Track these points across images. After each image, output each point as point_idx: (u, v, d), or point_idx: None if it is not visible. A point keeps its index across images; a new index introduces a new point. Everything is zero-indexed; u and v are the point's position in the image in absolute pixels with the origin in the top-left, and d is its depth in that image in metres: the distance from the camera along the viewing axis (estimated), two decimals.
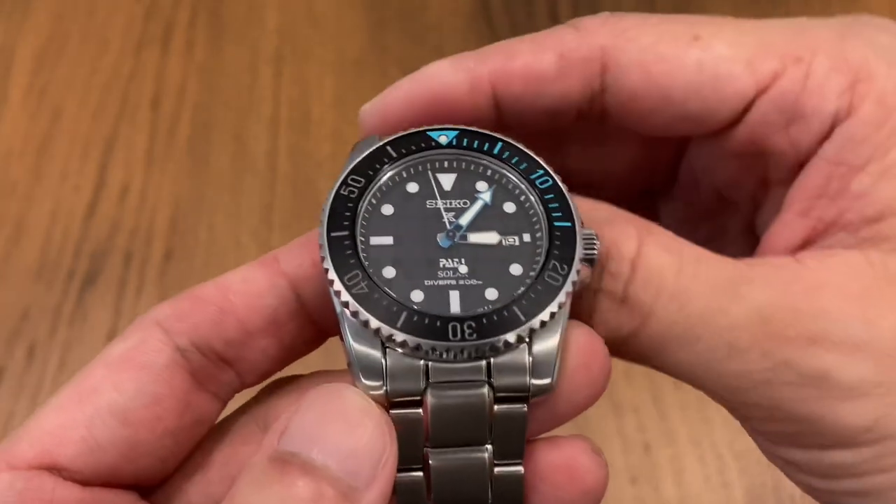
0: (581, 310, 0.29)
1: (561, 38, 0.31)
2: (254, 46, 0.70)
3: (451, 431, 0.27)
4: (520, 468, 0.27)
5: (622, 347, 0.29)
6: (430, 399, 0.26)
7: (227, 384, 0.30)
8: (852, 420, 0.27)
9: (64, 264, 0.62)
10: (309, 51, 0.70)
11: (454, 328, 0.26)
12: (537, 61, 0.31)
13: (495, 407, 0.27)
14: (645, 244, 0.28)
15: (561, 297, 0.27)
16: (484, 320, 0.26)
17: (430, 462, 0.27)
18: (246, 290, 0.29)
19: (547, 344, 0.27)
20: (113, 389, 0.28)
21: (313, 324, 0.30)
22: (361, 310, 0.26)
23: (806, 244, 0.30)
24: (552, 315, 0.27)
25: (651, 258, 0.28)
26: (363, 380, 0.26)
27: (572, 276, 0.27)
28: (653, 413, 0.57)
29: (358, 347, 0.26)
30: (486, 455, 0.27)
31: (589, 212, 0.29)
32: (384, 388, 0.26)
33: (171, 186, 0.65)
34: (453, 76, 0.31)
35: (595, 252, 0.28)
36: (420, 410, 0.27)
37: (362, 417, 0.25)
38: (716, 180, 0.35)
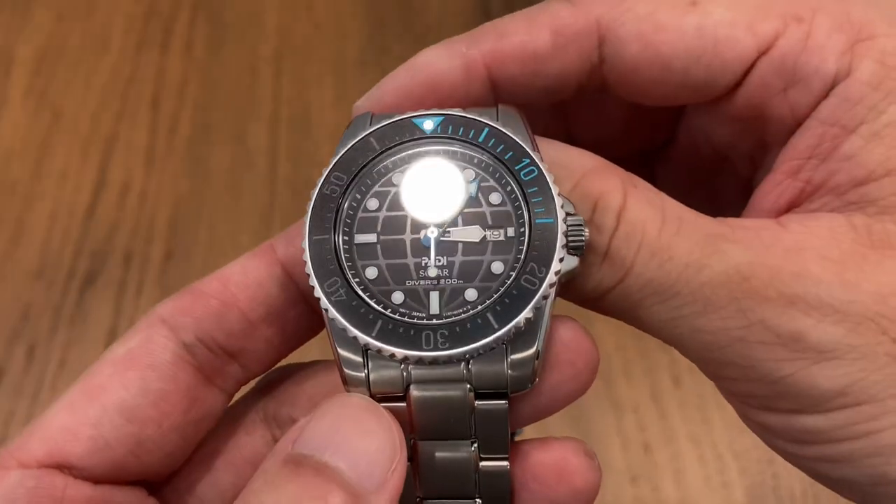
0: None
1: (555, 13, 0.30)
2: (254, 46, 0.70)
3: (434, 425, 0.27)
4: (505, 463, 0.28)
5: (600, 302, 0.29)
6: (412, 393, 0.27)
7: (233, 376, 0.30)
8: (825, 383, 0.27)
9: (64, 264, 0.62)
10: (309, 51, 0.70)
11: (427, 337, 0.26)
12: (532, 40, 0.30)
13: (476, 403, 0.27)
14: (630, 196, 0.28)
15: (537, 300, 0.26)
16: (458, 328, 0.26)
17: (418, 454, 0.28)
18: (246, 280, 0.30)
19: (525, 345, 0.27)
20: (120, 388, 0.28)
21: (312, 311, 0.30)
22: (339, 317, 0.26)
23: (793, 205, 0.30)
24: (527, 321, 0.26)
25: (634, 212, 0.28)
26: (347, 383, 0.27)
27: (549, 279, 0.27)
28: (653, 412, 0.57)
29: (342, 351, 0.27)
30: (471, 449, 0.27)
31: (576, 158, 0.29)
32: (367, 389, 0.27)
33: (171, 186, 0.65)
34: (447, 62, 0.30)
35: (583, 240, 0.27)
36: (404, 404, 0.27)
37: (375, 424, 0.26)
38: (714, 142, 0.34)
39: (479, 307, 0.27)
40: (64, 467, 0.28)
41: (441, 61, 0.31)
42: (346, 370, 0.27)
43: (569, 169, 0.28)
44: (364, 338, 0.26)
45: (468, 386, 0.27)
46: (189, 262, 0.62)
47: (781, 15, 0.29)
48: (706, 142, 0.35)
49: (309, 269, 0.27)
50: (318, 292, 0.27)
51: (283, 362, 0.32)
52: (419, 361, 0.26)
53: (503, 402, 0.27)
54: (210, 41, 0.70)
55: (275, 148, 0.66)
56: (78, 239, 0.63)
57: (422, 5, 0.71)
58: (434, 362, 0.26)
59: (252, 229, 0.63)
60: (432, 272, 0.28)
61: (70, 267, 0.62)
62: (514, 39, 0.30)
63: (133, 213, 0.64)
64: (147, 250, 0.63)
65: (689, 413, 0.57)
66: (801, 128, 0.29)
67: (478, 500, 0.28)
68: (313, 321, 0.31)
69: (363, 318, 0.27)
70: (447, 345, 0.26)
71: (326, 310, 0.27)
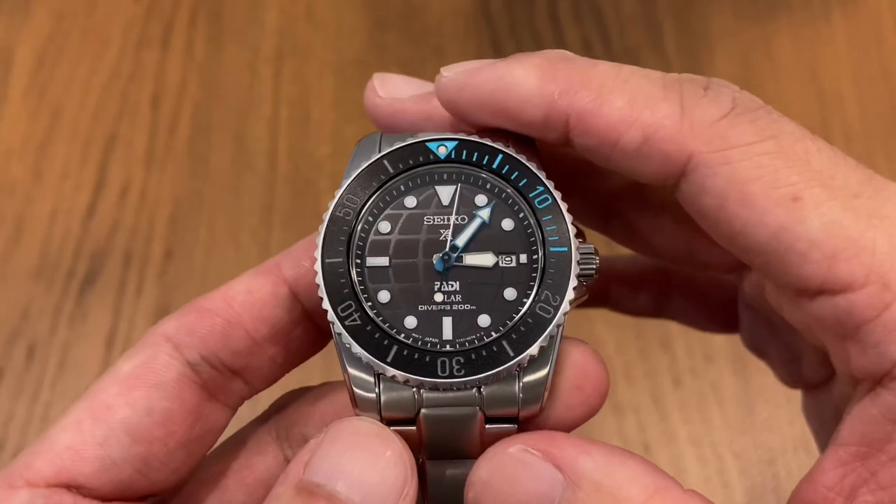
0: None
1: (661, 119, 0.27)
2: (254, 46, 0.70)
3: (443, 444, 0.27)
4: None
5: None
6: (423, 413, 0.27)
7: (237, 393, 0.30)
8: None
9: (64, 264, 0.62)
10: (309, 51, 0.70)
11: (443, 364, 0.26)
12: (625, 133, 0.27)
13: (486, 426, 0.27)
14: None
15: (552, 329, 0.27)
16: (473, 355, 0.26)
17: (426, 473, 0.28)
18: (251, 300, 0.29)
19: (537, 372, 0.27)
20: (126, 407, 0.28)
21: (317, 328, 0.30)
22: (354, 344, 0.27)
23: (855, 489, 0.27)
24: (542, 349, 0.27)
25: None
26: (358, 406, 0.27)
27: (564, 308, 0.27)
28: (653, 413, 0.57)
29: (353, 372, 0.27)
30: None
31: (626, 485, 0.25)
32: (379, 415, 0.27)
33: (171, 186, 0.65)
34: (535, 98, 0.28)
35: (594, 269, 0.28)
36: (414, 427, 0.27)
37: (385, 451, 0.26)
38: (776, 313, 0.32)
39: (494, 334, 0.27)
40: (72, 487, 0.28)
41: (530, 93, 0.28)
42: (356, 390, 0.27)
43: (616, 500, 0.25)
44: (379, 364, 0.26)
45: (478, 409, 0.27)
46: (189, 262, 0.62)
47: (871, 269, 0.26)
48: (766, 306, 0.32)
49: (322, 292, 0.27)
50: (332, 316, 0.27)
51: (287, 378, 0.32)
52: (436, 387, 0.26)
53: (513, 425, 0.27)
54: (210, 41, 0.70)
55: (275, 148, 0.66)
56: (78, 239, 0.63)
57: (422, 5, 0.71)
58: (448, 389, 0.26)
59: (252, 229, 0.63)
60: (445, 297, 0.28)
61: (70, 267, 0.62)
62: (606, 119, 0.27)
63: (133, 213, 0.64)
64: (147, 250, 0.63)
65: (689, 414, 0.57)
66: (874, 403, 0.27)
67: None
68: (317, 339, 0.31)
69: (378, 343, 0.27)
70: (462, 372, 0.26)
71: (340, 334, 0.27)
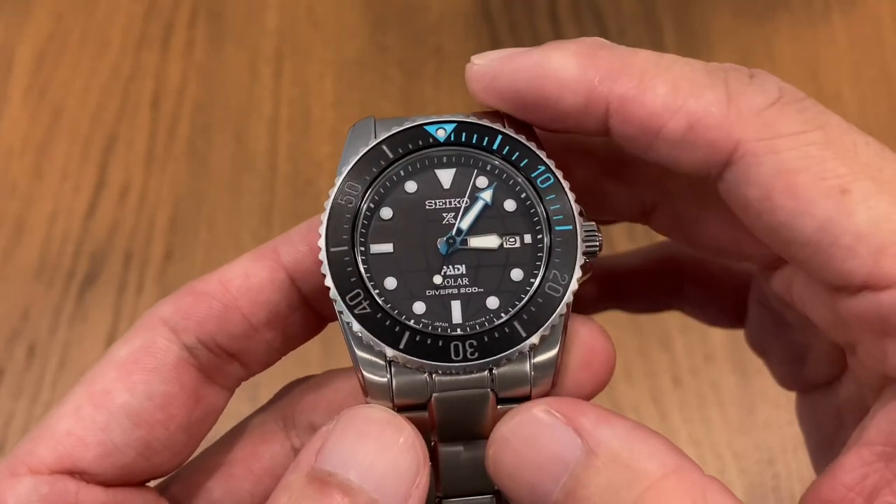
0: None
1: (706, 107, 0.26)
2: (254, 46, 0.70)
3: (456, 426, 0.27)
4: None
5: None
6: (435, 396, 0.27)
7: (234, 375, 0.30)
8: None
9: (64, 264, 0.62)
10: (309, 51, 0.70)
11: (456, 348, 0.26)
12: (668, 120, 0.27)
13: (498, 407, 0.27)
14: None
15: (561, 308, 0.27)
16: (485, 338, 0.26)
17: (438, 455, 0.28)
18: (248, 284, 0.29)
19: (548, 352, 0.27)
20: (125, 392, 0.28)
21: (314, 312, 0.30)
22: (365, 331, 0.26)
23: (877, 489, 0.27)
24: (553, 327, 0.27)
25: None
26: (368, 392, 0.27)
27: (572, 287, 0.27)
28: (653, 413, 0.57)
29: (364, 360, 0.27)
30: None
31: (644, 460, 0.25)
32: (391, 402, 0.27)
33: (171, 186, 0.65)
34: (575, 84, 0.27)
35: (597, 246, 0.28)
36: (426, 413, 0.27)
37: (397, 438, 0.26)
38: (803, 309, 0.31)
39: (504, 316, 0.27)
40: (75, 473, 0.28)
41: (570, 78, 0.27)
42: (367, 374, 0.27)
43: (633, 472, 0.25)
44: (392, 351, 0.26)
45: (490, 390, 0.27)
46: (189, 262, 0.62)
47: None
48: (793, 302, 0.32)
49: (330, 281, 0.27)
50: (341, 305, 0.27)
51: (285, 362, 0.32)
52: (450, 371, 0.26)
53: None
54: (210, 41, 0.70)
55: (275, 148, 0.66)
56: (78, 239, 0.63)
57: (422, 5, 0.71)
58: (463, 371, 0.26)
59: (252, 229, 0.63)
60: (452, 281, 0.27)
61: (70, 267, 0.62)
62: (650, 106, 0.27)
63: (133, 213, 0.64)
64: (147, 250, 0.63)
65: (689, 413, 0.57)
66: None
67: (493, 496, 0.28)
68: (314, 324, 0.31)
69: (389, 330, 0.26)
70: (476, 355, 0.26)
71: (350, 323, 0.27)
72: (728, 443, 0.56)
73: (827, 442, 0.35)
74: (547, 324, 0.27)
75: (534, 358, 0.27)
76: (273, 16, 0.71)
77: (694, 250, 0.35)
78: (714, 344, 0.58)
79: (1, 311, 0.61)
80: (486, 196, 0.28)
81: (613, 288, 0.41)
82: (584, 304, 0.39)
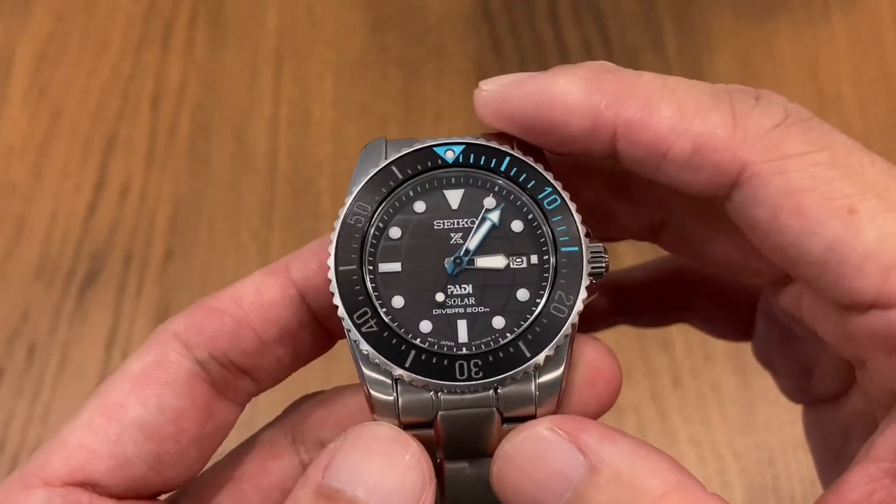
0: None
1: (712, 126, 0.27)
2: (254, 46, 0.70)
3: (461, 444, 0.28)
4: None
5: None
6: (441, 415, 0.27)
7: (245, 390, 0.31)
8: None
9: (64, 264, 0.62)
10: (309, 51, 0.70)
11: (461, 367, 0.27)
12: (674, 142, 0.27)
13: (503, 426, 0.27)
14: None
15: (566, 329, 0.27)
16: (490, 357, 0.27)
17: (444, 473, 0.28)
18: (260, 301, 0.30)
19: (553, 372, 0.27)
20: (138, 405, 0.28)
21: (324, 330, 0.31)
22: (371, 350, 0.27)
23: None
24: (556, 348, 0.27)
25: None
26: (375, 410, 0.27)
27: (577, 307, 0.27)
28: (653, 413, 0.57)
29: (371, 378, 0.27)
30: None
31: (648, 477, 0.25)
32: (397, 420, 0.27)
33: (171, 186, 0.65)
34: (581, 109, 0.27)
35: (603, 267, 0.28)
36: (432, 431, 0.27)
37: (403, 456, 0.26)
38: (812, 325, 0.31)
39: (509, 336, 0.27)
40: (87, 485, 0.28)
41: (576, 104, 0.27)
42: (373, 392, 0.27)
43: (635, 489, 0.25)
44: (398, 370, 0.26)
45: (495, 409, 0.27)
46: (189, 262, 0.62)
47: None
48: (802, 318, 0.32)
49: (338, 300, 0.27)
50: (349, 324, 0.27)
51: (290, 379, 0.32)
52: (455, 390, 0.27)
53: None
54: (210, 41, 0.70)
55: (275, 148, 0.66)
56: (78, 239, 0.63)
57: (422, 5, 0.71)
58: (469, 390, 0.27)
59: (252, 229, 0.63)
60: (458, 300, 0.28)
61: (70, 267, 0.62)
62: (655, 129, 0.27)
63: (133, 213, 0.64)
64: (147, 250, 0.63)
65: (689, 414, 0.57)
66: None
67: None
68: (323, 341, 0.31)
69: (395, 349, 0.27)
70: (480, 374, 0.26)
71: (357, 341, 0.27)
72: (728, 443, 0.56)
73: (833, 455, 0.35)
74: (552, 344, 0.27)
75: (539, 378, 0.27)
76: (273, 16, 0.71)
77: (673, 263, 0.35)
78: (714, 344, 0.58)
79: (1, 311, 0.61)
80: (494, 217, 0.29)
81: (621, 302, 0.41)
82: (596, 320, 0.40)
